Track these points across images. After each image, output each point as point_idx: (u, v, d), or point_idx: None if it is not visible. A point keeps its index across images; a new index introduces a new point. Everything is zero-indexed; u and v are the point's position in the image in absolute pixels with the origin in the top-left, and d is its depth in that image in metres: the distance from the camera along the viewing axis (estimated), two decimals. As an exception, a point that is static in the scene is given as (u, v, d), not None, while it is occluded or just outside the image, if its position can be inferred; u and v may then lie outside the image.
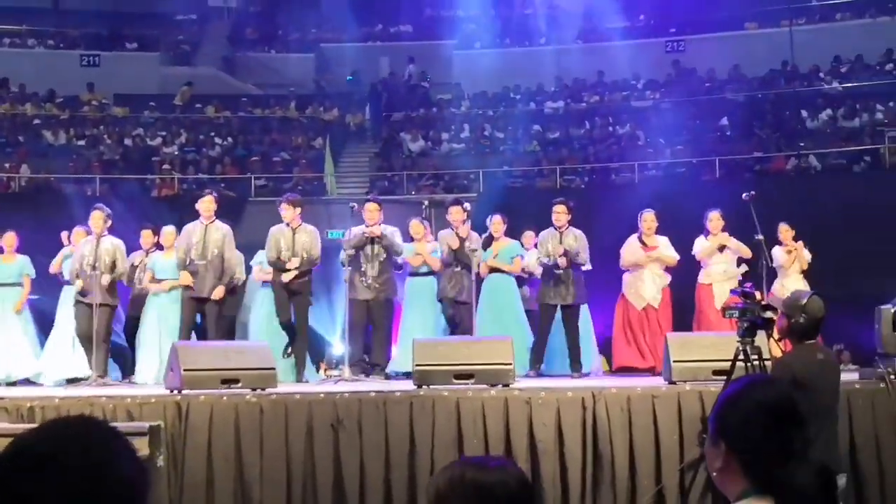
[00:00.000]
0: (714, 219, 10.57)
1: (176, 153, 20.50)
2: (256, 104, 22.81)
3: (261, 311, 10.83)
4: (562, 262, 10.04)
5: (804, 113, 20.10)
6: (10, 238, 11.08)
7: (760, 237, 9.95)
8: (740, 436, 2.16)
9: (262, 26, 26.04)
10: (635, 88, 22.37)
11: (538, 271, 10.57)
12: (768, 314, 5.50)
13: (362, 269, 10.01)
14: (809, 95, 20.75)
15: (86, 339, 10.13)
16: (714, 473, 2.19)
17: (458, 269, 10.23)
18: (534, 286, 10.90)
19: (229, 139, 21.22)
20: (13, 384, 10.51)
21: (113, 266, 10.08)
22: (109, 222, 10.29)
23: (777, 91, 21.21)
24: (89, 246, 10.16)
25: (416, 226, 10.98)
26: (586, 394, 7.45)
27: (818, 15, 23.66)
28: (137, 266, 11.06)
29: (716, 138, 19.95)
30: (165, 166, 19.92)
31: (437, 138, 21.58)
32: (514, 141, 21.11)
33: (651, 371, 9.79)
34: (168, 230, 10.91)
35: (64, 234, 11.19)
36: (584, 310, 10.67)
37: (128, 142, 20.96)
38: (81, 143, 20.98)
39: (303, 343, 10.18)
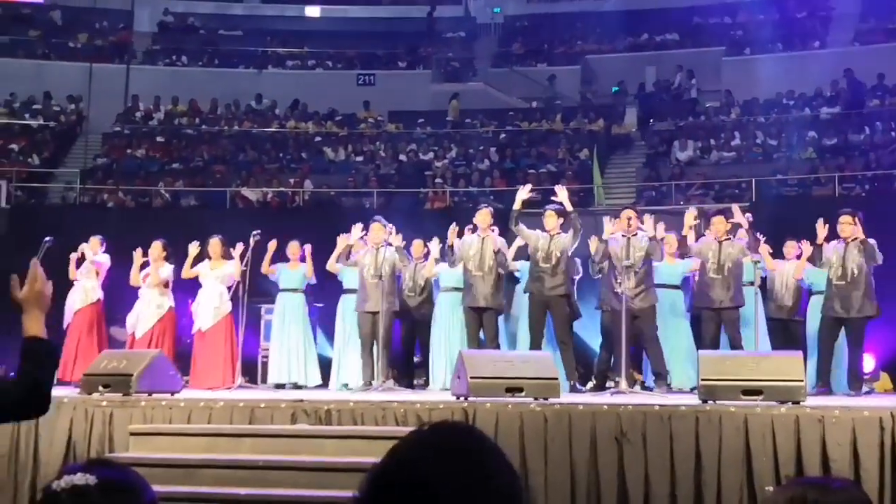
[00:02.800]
0: None
1: (447, 167, 21.06)
2: (524, 118, 23.11)
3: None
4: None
5: None
6: (295, 247, 11.75)
7: None
8: None
9: (528, 41, 26.39)
10: (920, 91, 21.13)
11: None
12: None
13: (618, 280, 9.93)
14: None
15: (367, 346, 10.62)
16: None
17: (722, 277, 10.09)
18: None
19: (498, 152, 21.60)
20: (282, 387, 11.14)
21: (392, 273, 10.53)
22: (390, 233, 10.73)
23: None
24: (370, 256, 10.64)
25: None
26: (884, 413, 7.11)
27: None
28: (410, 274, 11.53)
29: None
30: (438, 180, 20.51)
31: (707, 147, 21.14)
32: (787, 148, 20.35)
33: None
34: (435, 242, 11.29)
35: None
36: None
37: (402, 157, 21.72)
38: (359, 158, 21.93)
39: (567, 353, 10.25)
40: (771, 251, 10.79)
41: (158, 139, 22.69)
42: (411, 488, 1.61)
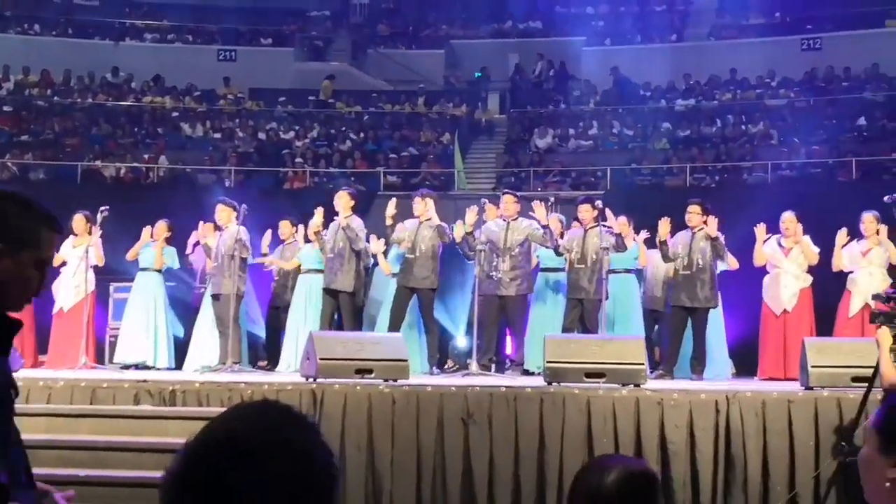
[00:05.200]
0: (867, 221, 9.98)
1: (308, 147, 20.88)
2: (387, 100, 23.07)
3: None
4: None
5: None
6: (162, 228, 11.47)
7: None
8: None
9: (393, 22, 26.34)
10: (769, 87, 21.90)
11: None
12: (921, 320, 5.33)
13: (494, 263, 10.05)
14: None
15: (220, 328, 10.49)
16: (887, 485, 1.98)
17: (585, 266, 10.20)
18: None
19: (360, 134, 21.53)
20: (128, 368, 10.88)
21: (238, 254, 10.38)
22: (234, 213, 10.59)
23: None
24: (212, 240, 10.54)
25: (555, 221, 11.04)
26: (720, 397, 7.37)
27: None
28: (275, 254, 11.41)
29: (853, 138, 19.38)
30: (298, 159, 20.32)
31: (565, 135, 21.50)
32: (643, 139, 20.89)
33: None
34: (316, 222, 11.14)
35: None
36: (715, 314, 10.50)
37: (262, 135, 21.43)
38: (217, 135, 21.55)
39: (433, 339, 10.36)
40: (648, 236, 10.92)
41: (7, 110, 21.81)
42: (226, 462, 1.57)
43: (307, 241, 11.21)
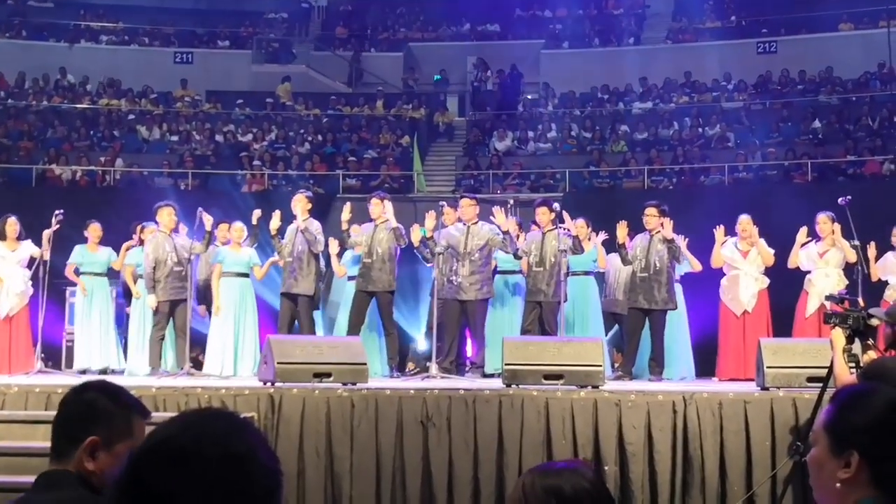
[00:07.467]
0: (822, 222, 10.05)
1: (266, 149, 20.77)
2: (345, 102, 23.02)
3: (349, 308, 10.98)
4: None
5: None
6: (95, 229, 11.33)
7: (857, 242, 9.73)
8: (883, 442, 1.94)
9: (351, 25, 26.28)
10: (725, 89, 22.10)
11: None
12: (874, 321, 5.37)
13: (454, 267, 10.04)
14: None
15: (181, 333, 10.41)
16: (838, 485, 1.95)
17: (544, 269, 10.21)
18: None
19: (318, 136, 21.45)
20: (83, 372, 10.75)
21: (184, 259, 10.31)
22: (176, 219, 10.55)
23: (873, 93, 20.77)
24: (154, 244, 10.46)
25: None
26: (677, 397, 7.41)
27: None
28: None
29: (808, 141, 19.61)
30: (256, 162, 20.21)
31: (524, 138, 21.56)
32: (601, 141, 21.00)
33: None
34: (236, 226, 11.03)
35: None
36: (679, 316, 10.54)
37: (219, 138, 21.30)
38: (174, 138, 21.39)
39: (392, 341, 10.34)
40: (606, 236, 10.93)
41: (-41, 112, 21.57)
42: (164, 470, 1.60)
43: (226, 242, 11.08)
